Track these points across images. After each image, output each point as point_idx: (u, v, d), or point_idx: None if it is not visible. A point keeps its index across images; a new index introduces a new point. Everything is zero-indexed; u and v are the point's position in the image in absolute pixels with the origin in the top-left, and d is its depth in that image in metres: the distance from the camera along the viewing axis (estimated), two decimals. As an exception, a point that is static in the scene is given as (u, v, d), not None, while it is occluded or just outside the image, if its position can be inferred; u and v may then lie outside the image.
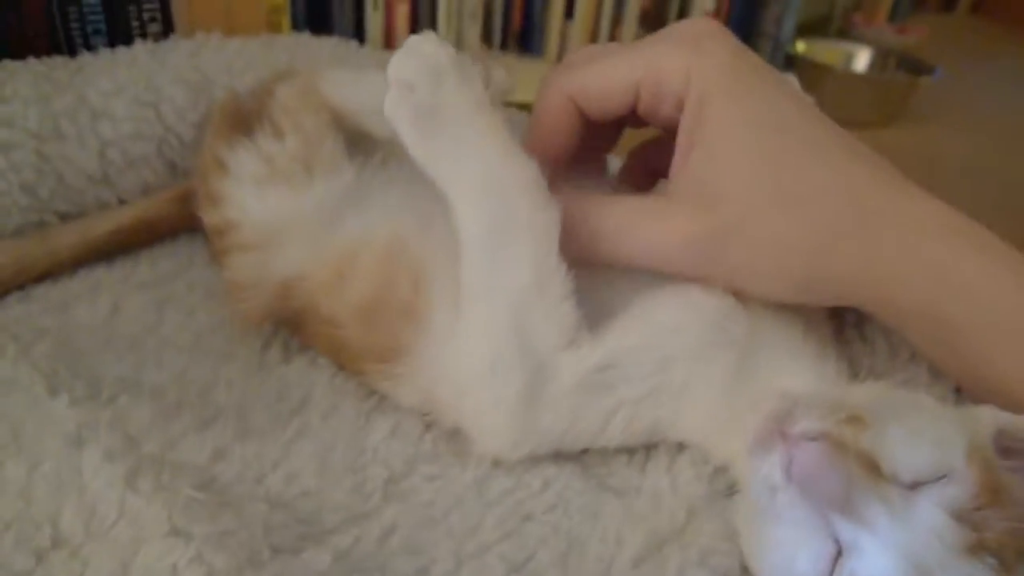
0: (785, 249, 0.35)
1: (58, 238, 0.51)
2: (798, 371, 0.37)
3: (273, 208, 0.43)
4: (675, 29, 0.38)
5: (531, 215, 0.35)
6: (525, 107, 0.68)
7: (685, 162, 0.36)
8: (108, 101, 0.50)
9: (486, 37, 0.84)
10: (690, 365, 0.36)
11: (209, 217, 0.46)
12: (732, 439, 0.35)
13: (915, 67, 1.05)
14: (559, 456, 0.39)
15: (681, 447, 0.39)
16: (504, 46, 0.85)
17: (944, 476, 0.28)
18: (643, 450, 0.40)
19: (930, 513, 0.27)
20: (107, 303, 0.49)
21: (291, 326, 0.46)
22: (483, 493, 0.37)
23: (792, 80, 0.40)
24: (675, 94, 0.36)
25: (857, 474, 0.27)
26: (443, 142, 0.35)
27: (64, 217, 0.52)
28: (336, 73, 0.49)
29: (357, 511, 0.36)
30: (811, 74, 1.06)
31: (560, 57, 0.92)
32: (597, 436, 0.38)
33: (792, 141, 0.35)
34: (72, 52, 0.55)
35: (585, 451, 0.39)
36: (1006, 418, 0.32)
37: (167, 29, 0.61)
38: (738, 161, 0.35)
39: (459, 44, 0.82)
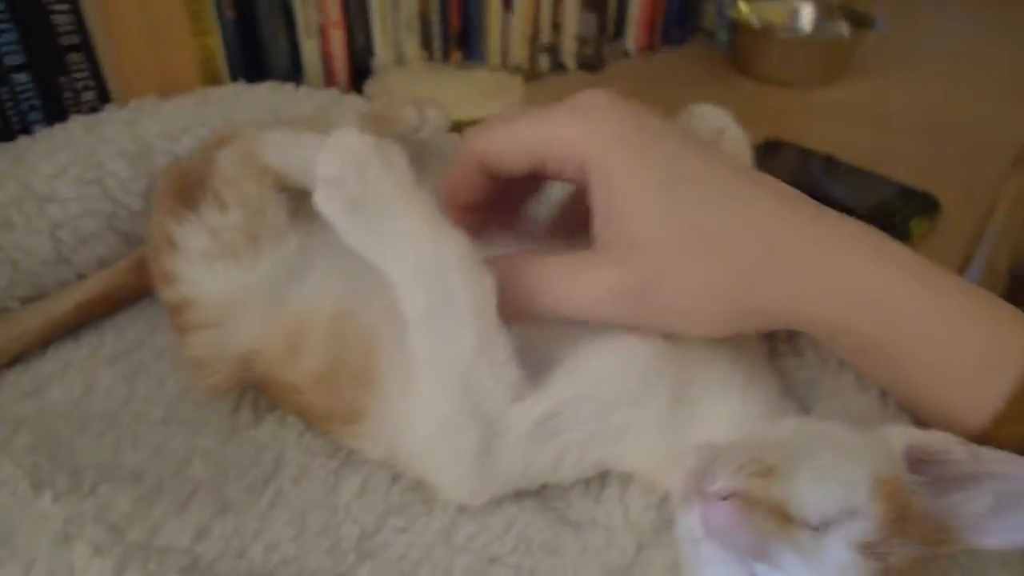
0: (705, 291, 0.37)
1: (22, 323, 0.52)
2: (727, 398, 0.39)
3: (224, 283, 0.45)
4: (572, 100, 0.40)
5: (467, 287, 0.37)
6: (473, 123, 0.70)
7: (604, 224, 0.38)
8: (52, 184, 0.51)
9: (426, 45, 0.85)
10: (626, 409, 0.38)
11: (164, 295, 0.47)
12: (672, 470, 0.38)
13: (858, 20, 1.06)
14: (520, 494, 0.42)
15: (632, 477, 0.42)
16: (446, 54, 0.85)
17: (851, 512, 0.31)
18: (598, 478, 0.43)
19: (838, 551, 0.30)
20: (79, 382, 0.50)
21: (257, 387, 0.48)
22: (450, 540, 0.40)
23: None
24: (575, 159, 0.39)
25: (767, 526, 0.30)
26: (375, 229, 0.37)
27: (25, 300, 0.53)
28: (273, 135, 0.50)
29: (334, 572, 0.39)
30: (752, 39, 1.07)
31: (504, 60, 0.92)
32: (551, 474, 0.41)
33: (698, 189, 0.37)
34: (9, 133, 0.56)
35: (544, 487, 0.42)
36: (916, 435, 0.34)
37: (102, 94, 0.61)
38: (651, 216, 0.37)
39: (400, 59, 0.82)
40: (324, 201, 0.37)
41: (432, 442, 0.39)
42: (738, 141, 0.47)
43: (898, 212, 0.72)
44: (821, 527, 0.31)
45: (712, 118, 0.47)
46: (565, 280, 0.38)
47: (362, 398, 0.41)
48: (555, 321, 0.40)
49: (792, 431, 0.35)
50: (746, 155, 0.49)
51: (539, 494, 0.42)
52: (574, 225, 0.44)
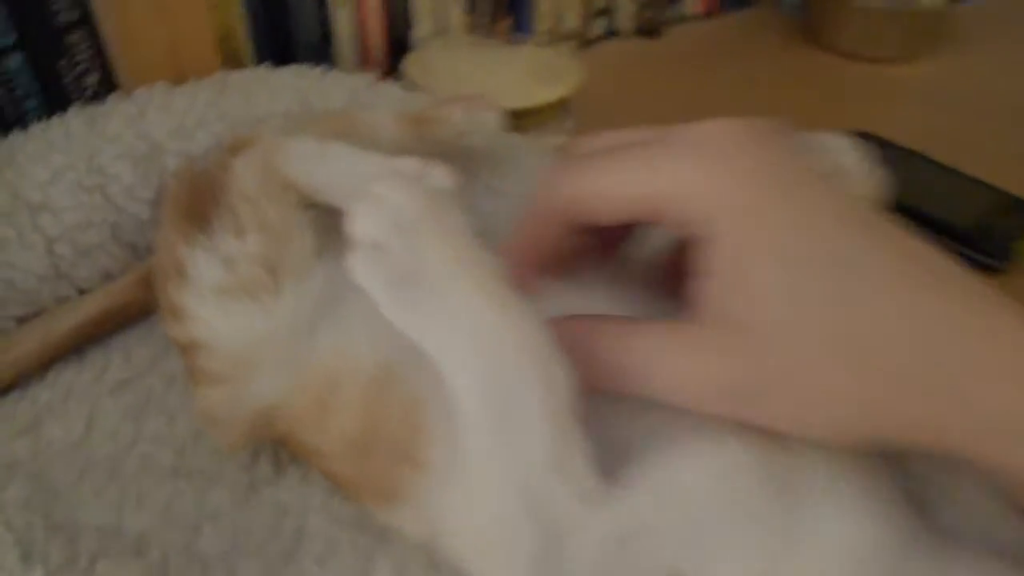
0: (840, 402, 0.29)
1: (19, 346, 0.47)
2: (847, 515, 0.32)
3: (240, 327, 0.38)
4: (691, 133, 0.31)
5: (538, 388, 0.30)
6: (523, 114, 0.62)
7: (722, 292, 0.30)
8: (46, 192, 0.45)
9: (471, 10, 0.76)
10: (721, 531, 0.32)
11: (173, 333, 0.41)
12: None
13: (945, -11, 0.94)
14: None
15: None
16: (493, 20, 0.77)
17: None
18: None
19: None
20: (81, 415, 0.45)
21: (279, 441, 0.42)
22: (500, 651, 0.34)
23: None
24: (698, 216, 0.30)
25: None
26: (426, 307, 0.30)
27: (22, 320, 0.47)
28: (298, 145, 0.43)
29: None
30: (829, 7, 0.96)
31: (556, 26, 0.83)
32: None
33: (843, 271, 0.29)
34: (2, 124, 0.49)
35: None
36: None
37: (106, 79, 0.54)
38: (785, 299, 0.29)
39: (442, 29, 0.74)
40: (362, 271, 0.30)
41: (483, 539, 0.33)
42: (865, 186, 0.38)
43: (999, 229, 0.61)
44: None
45: (837, 152, 0.38)
46: (663, 359, 0.31)
47: (402, 476, 0.35)
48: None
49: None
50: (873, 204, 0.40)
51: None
52: (675, 282, 0.37)
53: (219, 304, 0.39)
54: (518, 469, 0.30)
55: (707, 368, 0.30)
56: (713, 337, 0.30)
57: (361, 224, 0.29)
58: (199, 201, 0.42)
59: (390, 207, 0.29)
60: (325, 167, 0.42)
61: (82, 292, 0.49)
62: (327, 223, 0.41)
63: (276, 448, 0.43)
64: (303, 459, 0.40)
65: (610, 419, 0.33)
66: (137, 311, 0.50)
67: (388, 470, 0.35)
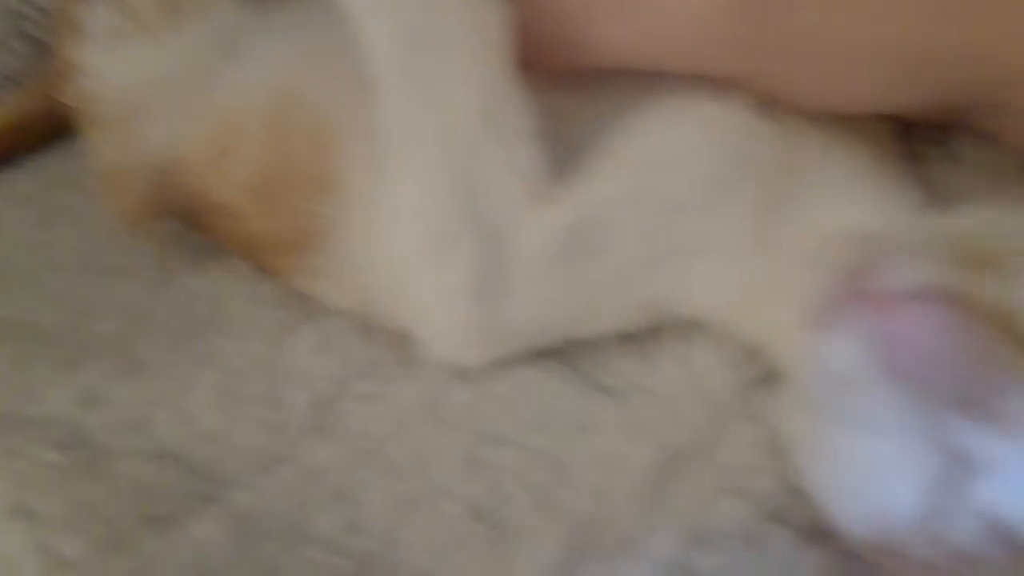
0: (859, 20, 0.23)
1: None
2: (854, 204, 0.26)
3: (132, 65, 0.33)
4: None
5: (467, 17, 0.25)
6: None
7: None
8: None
9: None
10: (702, 212, 0.25)
11: (68, 98, 0.35)
12: (766, 308, 0.25)
13: None
14: (538, 354, 0.29)
15: (698, 327, 0.28)
16: None
17: None
18: (650, 335, 0.30)
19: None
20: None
21: (197, 226, 0.36)
22: (434, 411, 0.28)
23: None
24: None
25: (1000, 353, 0.17)
26: None
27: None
28: None
29: (268, 453, 0.27)
30: None
31: None
32: (582, 323, 0.28)
33: None
34: None
35: (570, 344, 0.29)
36: None
37: None
38: None
39: None
40: None
41: (414, 264, 0.27)
42: None
43: None
44: None
45: None
46: None
47: (315, 211, 0.29)
48: (610, 82, 0.27)
49: (998, 218, 0.22)
50: None
51: (564, 353, 0.30)
52: None
53: (113, 47, 0.33)
54: (444, 135, 0.25)
55: None
56: None
57: None
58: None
59: None
60: None
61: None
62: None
63: (200, 244, 0.37)
64: (218, 233, 0.35)
65: (559, 121, 0.27)
66: (53, 127, 0.44)
67: (302, 209, 0.30)
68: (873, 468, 0.19)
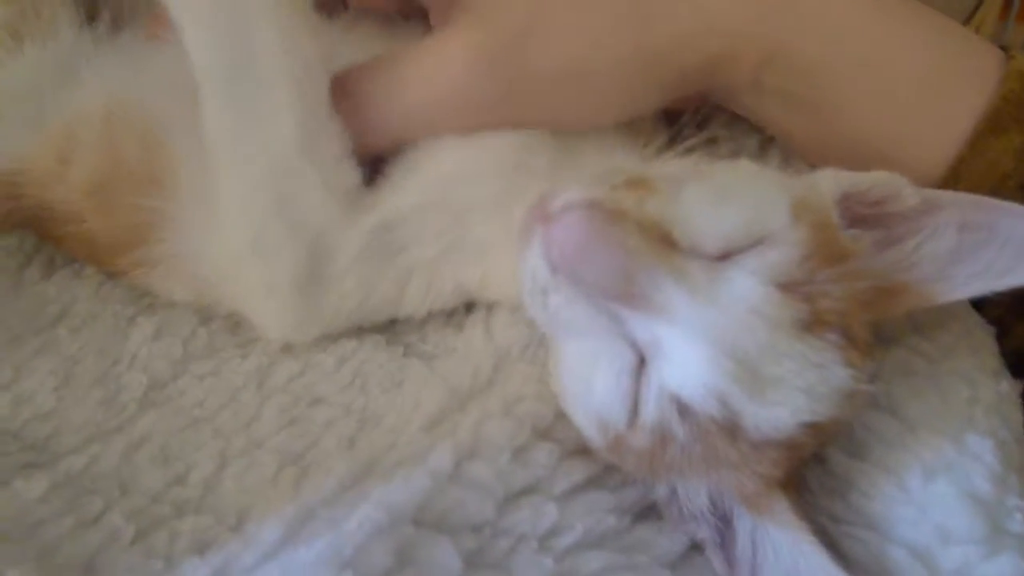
0: (594, 34, 0.28)
1: None
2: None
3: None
4: None
5: (280, 47, 0.27)
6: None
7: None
8: None
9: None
10: (489, 217, 0.29)
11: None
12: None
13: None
14: (363, 329, 0.33)
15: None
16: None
17: (765, 238, 0.22)
18: (466, 308, 0.33)
19: (745, 285, 0.21)
20: None
21: (47, 236, 0.38)
22: (265, 382, 0.31)
23: None
24: None
25: (639, 246, 0.21)
26: None
27: None
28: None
29: (103, 427, 0.29)
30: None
31: None
32: (395, 307, 0.32)
33: None
34: None
35: (394, 320, 0.33)
36: (849, 178, 0.26)
37: None
38: None
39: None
40: None
41: (242, 260, 0.30)
42: None
43: None
44: (722, 257, 0.21)
45: None
46: (409, 64, 0.29)
47: (146, 206, 0.32)
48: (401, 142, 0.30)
49: (682, 164, 0.26)
50: None
51: (388, 328, 0.33)
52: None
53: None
54: (264, 155, 0.28)
55: (461, 44, 0.28)
56: (463, 22, 0.28)
57: None
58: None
59: None
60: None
61: None
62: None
63: (52, 255, 0.39)
64: (65, 241, 0.36)
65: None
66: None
67: (134, 204, 0.32)
68: (580, 369, 0.23)
